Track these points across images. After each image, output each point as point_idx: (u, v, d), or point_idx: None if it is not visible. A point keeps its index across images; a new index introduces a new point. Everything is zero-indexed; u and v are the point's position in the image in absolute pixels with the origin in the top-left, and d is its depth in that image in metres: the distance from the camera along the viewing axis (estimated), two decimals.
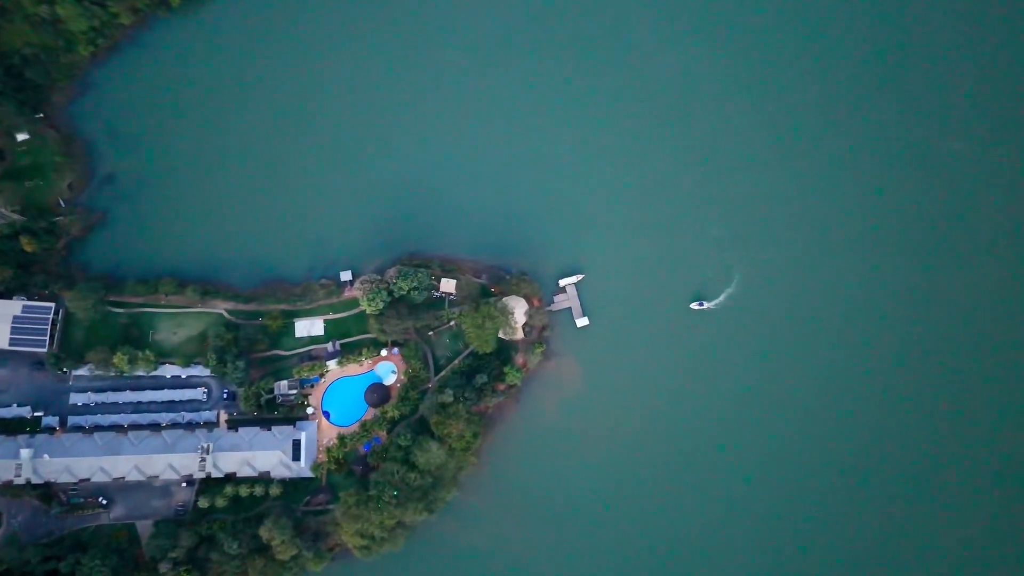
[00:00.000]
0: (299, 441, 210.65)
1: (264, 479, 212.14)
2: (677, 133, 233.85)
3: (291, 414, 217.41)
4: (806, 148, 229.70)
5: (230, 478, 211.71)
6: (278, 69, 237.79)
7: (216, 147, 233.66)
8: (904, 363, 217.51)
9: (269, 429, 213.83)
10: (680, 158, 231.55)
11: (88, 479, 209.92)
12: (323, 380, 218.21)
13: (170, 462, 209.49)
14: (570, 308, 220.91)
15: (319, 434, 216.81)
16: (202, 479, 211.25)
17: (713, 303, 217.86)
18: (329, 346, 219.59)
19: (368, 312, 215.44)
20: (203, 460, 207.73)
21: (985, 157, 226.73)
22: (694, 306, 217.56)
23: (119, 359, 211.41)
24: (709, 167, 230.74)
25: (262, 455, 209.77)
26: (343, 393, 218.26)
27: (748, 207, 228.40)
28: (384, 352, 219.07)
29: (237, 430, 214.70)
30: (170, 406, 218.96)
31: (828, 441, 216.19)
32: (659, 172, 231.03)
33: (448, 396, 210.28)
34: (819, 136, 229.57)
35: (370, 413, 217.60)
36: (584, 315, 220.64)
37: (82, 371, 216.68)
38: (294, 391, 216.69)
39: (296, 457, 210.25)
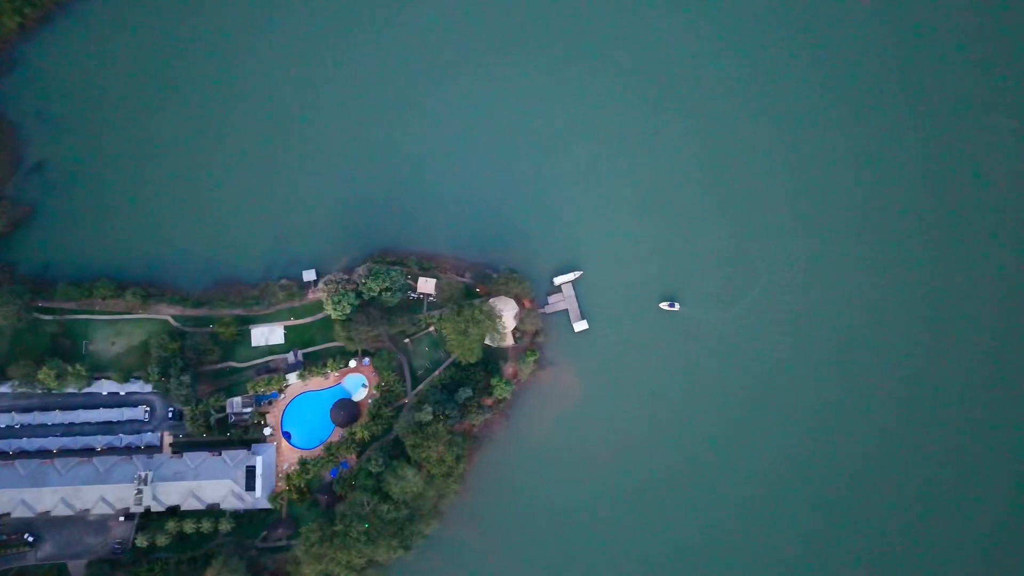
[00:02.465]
0: (254, 468, 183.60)
1: (214, 512, 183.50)
2: (689, 107, 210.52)
3: (246, 436, 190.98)
4: (824, 139, 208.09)
5: (174, 511, 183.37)
6: (232, 43, 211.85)
7: (162, 131, 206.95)
8: (913, 363, 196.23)
9: (219, 454, 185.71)
10: (696, 130, 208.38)
11: (8, 514, 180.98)
12: (283, 396, 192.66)
13: (102, 494, 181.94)
14: (567, 310, 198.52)
15: (278, 458, 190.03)
16: (142, 513, 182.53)
17: (680, 305, 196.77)
18: (290, 356, 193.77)
19: (333, 317, 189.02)
20: (139, 492, 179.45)
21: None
22: (663, 306, 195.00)
23: (45, 374, 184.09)
24: (727, 143, 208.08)
25: (210, 485, 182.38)
26: (306, 411, 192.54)
27: (766, 196, 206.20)
28: (353, 363, 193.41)
29: (182, 455, 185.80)
30: (106, 428, 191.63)
31: (854, 462, 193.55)
32: (669, 149, 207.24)
33: (427, 414, 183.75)
34: (835, 129, 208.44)
35: (337, 434, 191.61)
36: (583, 318, 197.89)
37: (3, 388, 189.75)
38: (249, 409, 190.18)
39: (250, 486, 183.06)
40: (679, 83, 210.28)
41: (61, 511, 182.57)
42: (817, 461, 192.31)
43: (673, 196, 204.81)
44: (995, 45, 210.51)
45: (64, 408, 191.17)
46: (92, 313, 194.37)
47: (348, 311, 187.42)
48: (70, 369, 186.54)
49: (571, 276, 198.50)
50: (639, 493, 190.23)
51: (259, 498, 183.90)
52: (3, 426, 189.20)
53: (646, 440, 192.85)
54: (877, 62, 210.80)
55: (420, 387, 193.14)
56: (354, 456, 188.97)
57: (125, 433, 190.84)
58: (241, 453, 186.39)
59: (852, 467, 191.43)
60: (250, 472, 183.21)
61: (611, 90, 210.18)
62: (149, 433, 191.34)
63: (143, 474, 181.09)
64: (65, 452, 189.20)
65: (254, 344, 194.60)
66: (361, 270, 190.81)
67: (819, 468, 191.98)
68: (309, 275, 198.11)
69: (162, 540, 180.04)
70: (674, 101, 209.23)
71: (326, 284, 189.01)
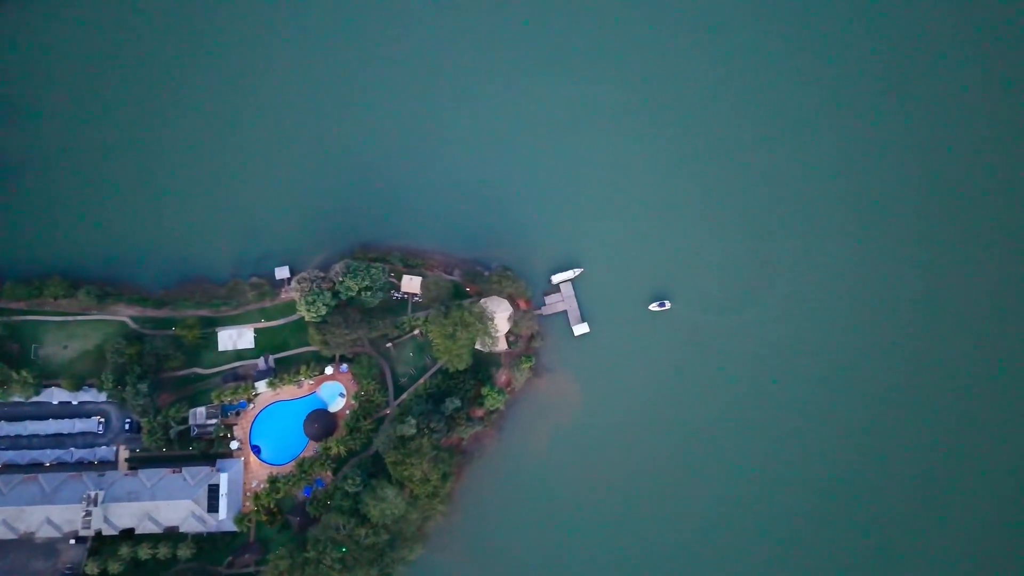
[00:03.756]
0: (217, 487, 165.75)
1: (172, 536, 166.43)
2: (697, 92, 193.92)
3: (210, 450, 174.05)
4: (831, 135, 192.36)
5: (128, 535, 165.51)
6: (193, 22, 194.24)
7: (120, 114, 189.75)
8: (914, 363, 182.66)
9: (178, 471, 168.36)
10: (706, 113, 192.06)
11: None
12: (252, 406, 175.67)
13: (48, 515, 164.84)
14: (565, 312, 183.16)
15: (246, 475, 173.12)
16: (94, 536, 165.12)
17: (671, 304, 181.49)
18: (260, 362, 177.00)
19: (307, 319, 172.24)
20: (87, 515, 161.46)
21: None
22: (653, 307, 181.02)
23: None
24: (736, 130, 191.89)
25: (167, 506, 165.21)
26: (277, 423, 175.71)
27: (780, 190, 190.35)
28: (329, 370, 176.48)
29: (137, 473, 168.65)
30: (56, 441, 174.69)
31: (864, 466, 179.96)
32: (679, 133, 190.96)
33: (410, 427, 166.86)
34: (845, 126, 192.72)
35: (311, 448, 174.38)
36: (583, 320, 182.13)
37: None
38: (214, 420, 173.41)
39: (213, 508, 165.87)
40: (686, 67, 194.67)
41: (3, 534, 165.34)
42: (836, 471, 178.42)
43: (685, 185, 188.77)
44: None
45: (9, 419, 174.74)
46: (42, 314, 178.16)
47: (323, 312, 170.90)
48: (16, 376, 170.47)
49: (570, 274, 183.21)
50: (643, 516, 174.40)
51: (223, 520, 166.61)
52: None
53: (652, 457, 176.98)
54: (886, 59, 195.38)
55: (403, 397, 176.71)
56: (329, 473, 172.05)
57: (77, 447, 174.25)
58: (203, 470, 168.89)
59: (863, 472, 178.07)
60: (213, 491, 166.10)
61: (613, 71, 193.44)
62: (103, 447, 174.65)
63: (92, 494, 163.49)
64: (10, 467, 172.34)
65: (221, 348, 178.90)
66: (338, 267, 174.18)
67: (836, 481, 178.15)
68: (282, 272, 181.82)
69: (115, 567, 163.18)
70: (682, 85, 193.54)
71: (299, 283, 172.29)
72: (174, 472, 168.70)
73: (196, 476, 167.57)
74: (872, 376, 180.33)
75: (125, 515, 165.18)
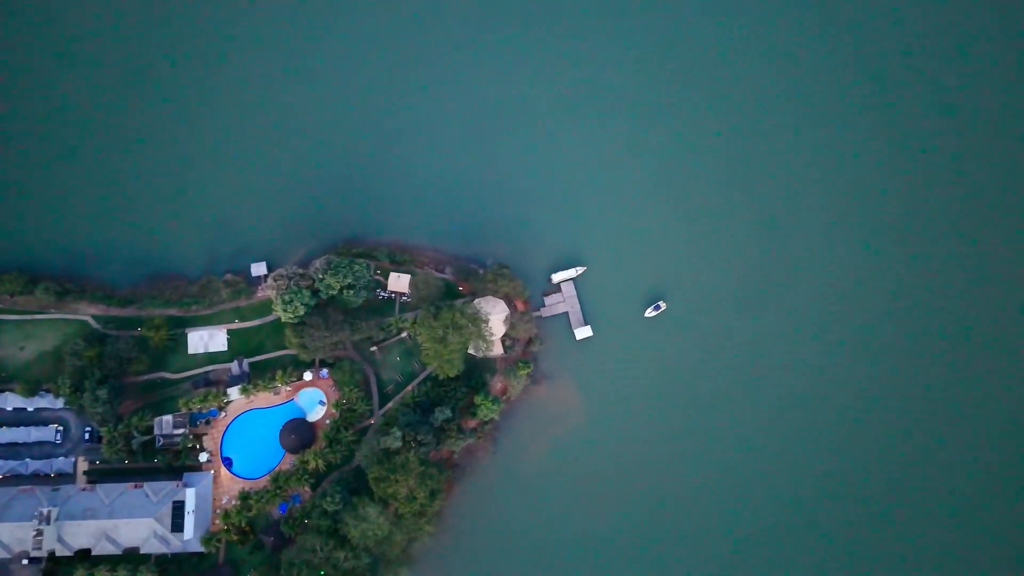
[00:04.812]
0: (182, 503, 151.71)
1: (133, 557, 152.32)
2: (707, 75, 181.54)
3: (177, 463, 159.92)
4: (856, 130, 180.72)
5: (85, 556, 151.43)
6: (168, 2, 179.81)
7: (83, 95, 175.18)
8: (918, 364, 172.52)
9: (140, 486, 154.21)
10: (720, 100, 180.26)
11: None
12: (224, 414, 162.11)
13: None
14: (567, 313, 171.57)
15: (215, 491, 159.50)
16: (48, 557, 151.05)
17: (666, 304, 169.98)
18: (234, 366, 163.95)
19: (284, 320, 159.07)
20: (38, 534, 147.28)
21: None
22: (649, 313, 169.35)
23: None
24: (751, 117, 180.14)
25: (127, 525, 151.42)
26: (251, 433, 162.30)
27: (799, 185, 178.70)
28: (309, 376, 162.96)
29: (95, 488, 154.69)
30: (10, 451, 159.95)
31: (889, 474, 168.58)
32: (691, 119, 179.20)
33: (395, 439, 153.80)
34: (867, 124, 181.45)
35: (287, 461, 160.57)
36: (586, 323, 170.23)
37: None
38: (182, 430, 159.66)
39: (177, 527, 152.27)
40: (696, 52, 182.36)
41: None
42: (857, 492, 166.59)
43: (697, 178, 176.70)
44: None
45: None
46: None
47: (301, 313, 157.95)
48: None
49: (572, 272, 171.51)
50: (651, 540, 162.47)
51: (188, 540, 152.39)
52: None
53: (659, 473, 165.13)
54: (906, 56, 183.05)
55: (389, 406, 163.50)
56: (307, 489, 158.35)
57: (33, 458, 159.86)
58: (167, 485, 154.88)
59: (874, 484, 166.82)
60: (177, 508, 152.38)
61: (618, 54, 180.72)
62: (61, 458, 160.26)
63: (45, 511, 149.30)
64: None
65: (191, 351, 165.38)
66: (318, 263, 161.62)
67: (855, 501, 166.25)
68: (259, 269, 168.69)
69: None
70: (691, 68, 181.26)
71: (275, 280, 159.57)
72: (135, 487, 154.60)
73: (159, 492, 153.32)
74: (878, 380, 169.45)
75: (81, 534, 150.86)
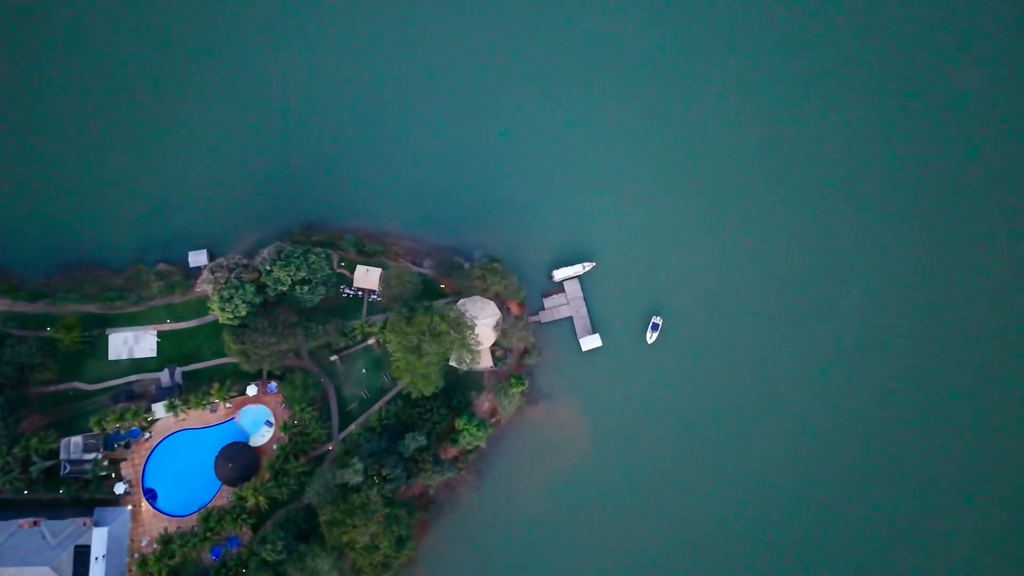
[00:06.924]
0: (86, 548, 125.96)
1: None
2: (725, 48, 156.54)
3: (87, 494, 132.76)
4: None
5: None
6: None
7: None
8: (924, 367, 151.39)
9: (36, 524, 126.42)
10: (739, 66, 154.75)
11: None
12: (148, 436, 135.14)
13: None
14: (571, 318, 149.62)
15: (134, 530, 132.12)
16: None
17: (663, 320, 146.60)
18: (163, 376, 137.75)
19: (221, 320, 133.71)
20: None
21: None
22: (649, 336, 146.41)
23: None
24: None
25: (18, 574, 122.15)
26: (180, 459, 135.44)
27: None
28: (253, 390, 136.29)
29: None
30: None
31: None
32: (713, 92, 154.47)
33: (356, 472, 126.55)
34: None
35: (224, 495, 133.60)
36: (594, 331, 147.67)
37: None
38: (94, 454, 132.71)
39: None
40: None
41: None
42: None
43: (724, 156, 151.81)
44: None
45: None
46: None
47: (243, 313, 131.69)
48: None
49: (579, 269, 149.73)
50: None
51: None
52: None
53: (678, 516, 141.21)
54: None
55: (350, 429, 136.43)
56: (247, 530, 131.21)
57: None
58: (71, 524, 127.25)
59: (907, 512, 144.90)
60: (80, 554, 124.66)
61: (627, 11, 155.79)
62: None
63: None
64: None
65: (112, 357, 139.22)
66: (266, 252, 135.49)
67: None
68: (198, 258, 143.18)
69: None
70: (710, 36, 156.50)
71: (212, 272, 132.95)
72: (32, 525, 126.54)
73: (59, 533, 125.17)
74: (891, 391, 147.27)
75: None
